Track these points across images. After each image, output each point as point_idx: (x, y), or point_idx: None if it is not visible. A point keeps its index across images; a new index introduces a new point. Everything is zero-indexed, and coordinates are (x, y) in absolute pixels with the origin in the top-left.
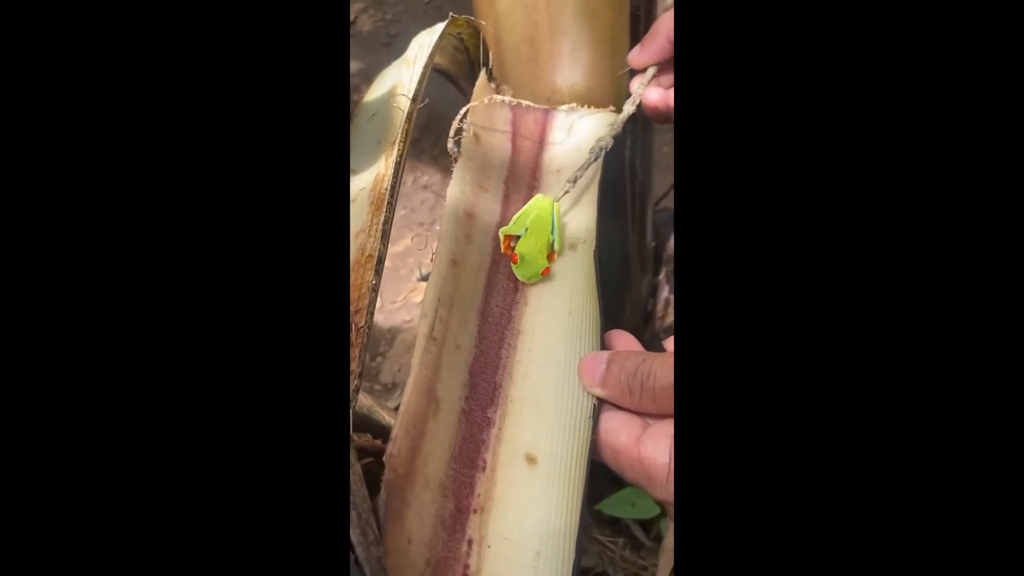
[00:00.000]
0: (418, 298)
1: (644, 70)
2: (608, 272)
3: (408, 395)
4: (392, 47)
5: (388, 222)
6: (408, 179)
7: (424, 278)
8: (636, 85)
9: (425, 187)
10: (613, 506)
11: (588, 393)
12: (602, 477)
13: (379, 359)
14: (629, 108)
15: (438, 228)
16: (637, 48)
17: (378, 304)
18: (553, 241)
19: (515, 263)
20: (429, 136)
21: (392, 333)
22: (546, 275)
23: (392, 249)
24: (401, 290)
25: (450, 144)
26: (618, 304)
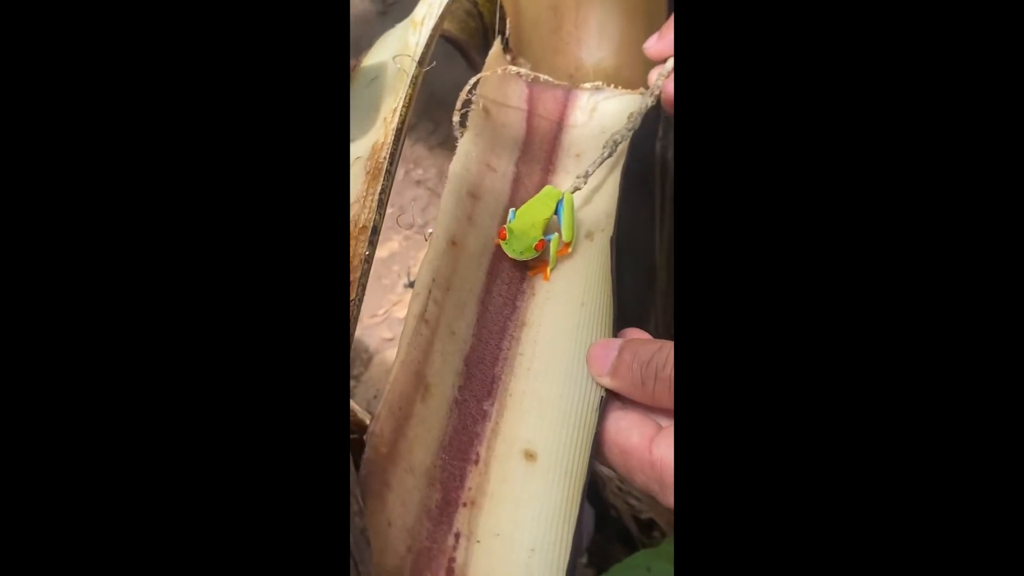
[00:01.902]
0: (403, 312)
1: (663, 61)
2: (633, 283)
3: (394, 375)
4: (388, 16)
5: (385, 191)
6: (399, 172)
7: (411, 285)
8: (655, 77)
9: (418, 182)
10: (624, 572)
11: (595, 387)
12: (612, 535)
13: (351, 382)
14: (648, 101)
15: (431, 231)
16: (654, 37)
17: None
18: (560, 231)
19: (503, 239)
20: (427, 122)
21: (369, 352)
22: (540, 249)
23: (376, 254)
24: (383, 302)
25: (455, 117)
26: (640, 317)
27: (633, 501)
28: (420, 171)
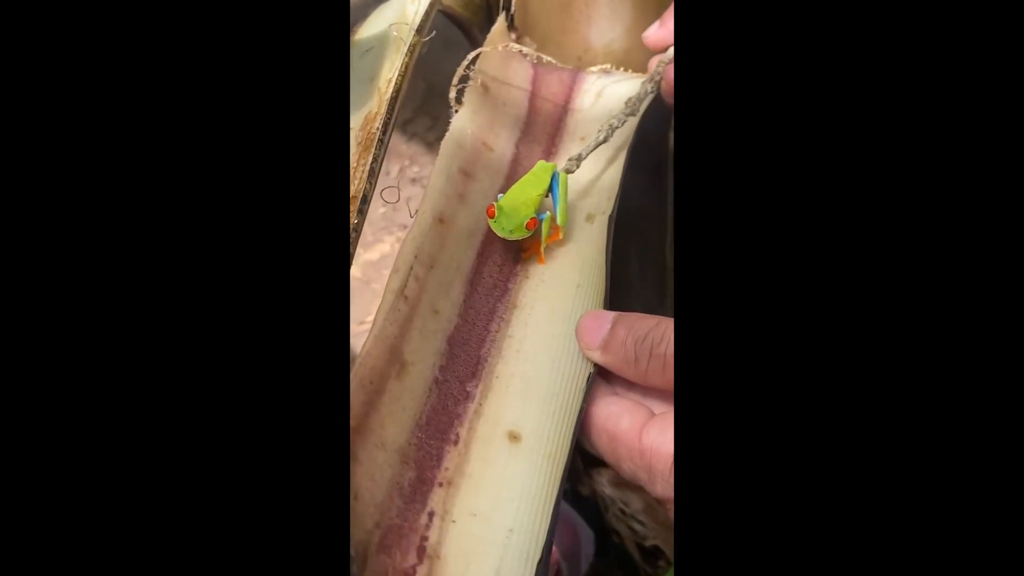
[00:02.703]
0: None
1: (664, 50)
2: (641, 288)
3: (367, 348)
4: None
5: (377, 160)
6: (393, 168)
7: None
8: (655, 64)
9: (414, 180)
10: None
11: (584, 366)
12: (613, 562)
13: None
14: (648, 86)
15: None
16: (655, 25)
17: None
18: (556, 214)
19: (491, 217)
20: (424, 117)
21: (353, 363)
22: (532, 228)
23: (365, 256)
24: (372, 308)
25: (452, 93)
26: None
27: (637, 526)
28: (416, 168)
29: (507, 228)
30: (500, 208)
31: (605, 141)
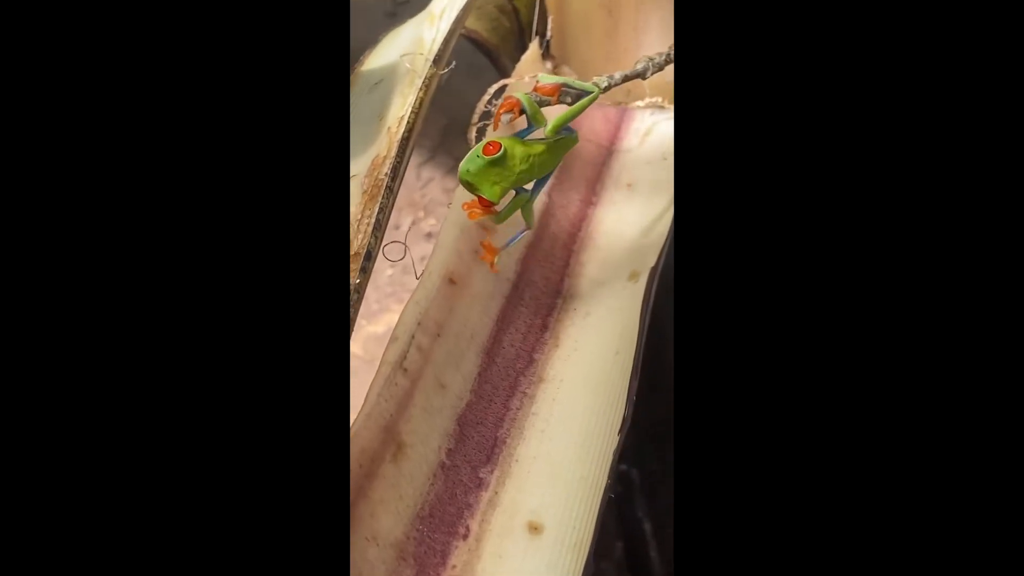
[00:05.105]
0: None
1: None
2: None
3: (356, 428)
4: (398, 19)
5: (384, 211)
6: (404, 221)
7: None
8: None
9: (429, 235)
10: None
11: (612, 441)
12: None
13: None
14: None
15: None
16: None
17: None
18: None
19: (488, 155)
20: (444, 156)
21: None
22: (490, 154)
23: (369, 328)
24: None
25: (471, 132)
26: None
27: None
28: (432, 220)
29: (470, 169)
30: (506, 151)
31: (641, 76)
